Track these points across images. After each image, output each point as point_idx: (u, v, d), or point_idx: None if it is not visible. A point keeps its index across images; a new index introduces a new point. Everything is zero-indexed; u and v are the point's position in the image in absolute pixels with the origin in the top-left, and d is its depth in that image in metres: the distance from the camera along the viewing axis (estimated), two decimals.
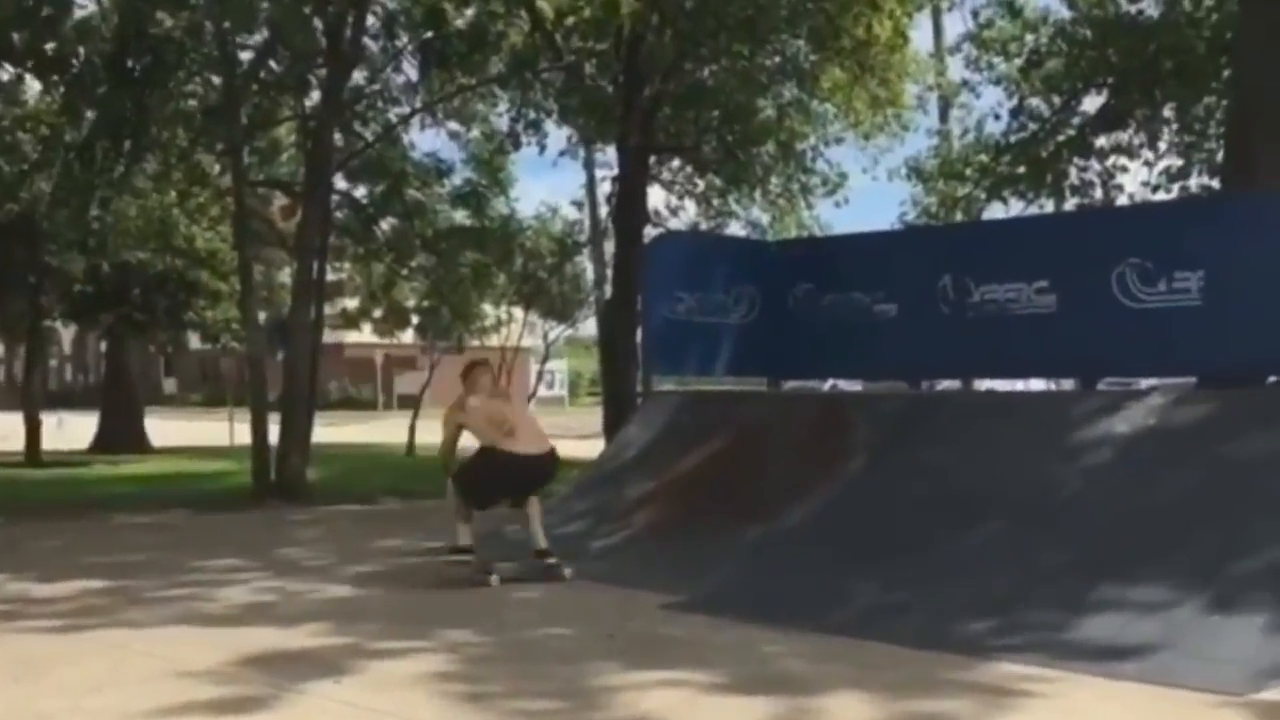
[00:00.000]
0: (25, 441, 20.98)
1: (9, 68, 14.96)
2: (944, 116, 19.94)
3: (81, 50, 14.42)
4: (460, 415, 8.10)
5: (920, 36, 21.24)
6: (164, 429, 26.51)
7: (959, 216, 17.40)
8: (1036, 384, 16.09)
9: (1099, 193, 16.81)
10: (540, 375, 28.02)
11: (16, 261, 20.03)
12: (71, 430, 25.00)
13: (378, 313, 24.65)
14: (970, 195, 17.54)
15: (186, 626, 6.54)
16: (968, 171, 17.78)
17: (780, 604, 6.72)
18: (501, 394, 8.69)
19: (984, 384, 15.14)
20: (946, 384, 15.57)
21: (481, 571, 7.89)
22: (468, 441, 8.26)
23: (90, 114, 14.97)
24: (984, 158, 17.49)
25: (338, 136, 16.51)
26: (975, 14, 17.41)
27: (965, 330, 9.65)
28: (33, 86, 17.39)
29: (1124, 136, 16.67)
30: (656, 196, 19.40)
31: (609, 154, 19.55)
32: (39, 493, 14.75)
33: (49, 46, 14.32)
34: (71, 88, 14.71)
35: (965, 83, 18.14)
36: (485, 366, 8.65)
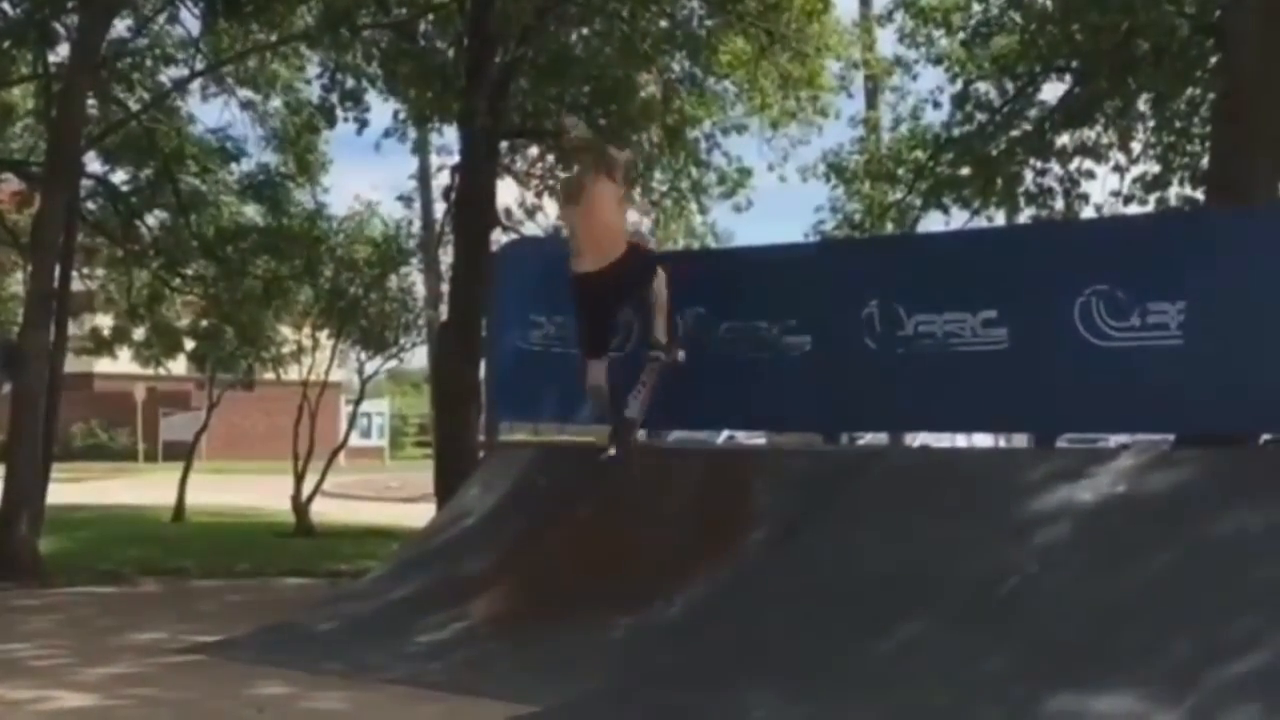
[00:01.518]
0: None
1: None
2: (871, 102, 20.34)
3: None
4: None
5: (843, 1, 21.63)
6: None
7: (889, 228, 17.71)
8: (981, 439, 16.50)
9: (1060, 203, 17.23)
10: (353, 420, 27.67)
11: None
12: None
13: (140, 334, 24.12)
14: (903, 201, 17.88)
15: None
16: (900, 171, 18.12)
17: (655, 718, 6.72)
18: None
19: (917, 438, 15.50)
20: (871, 438, 15.92)
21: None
22: None
23: None
24: (920, 154, 17.83)
25: (91, 103, 16.18)
26: None
27: (895, 370, 9.82)
28: None
29: (1091, 134, 17.18)
30: (509, 192, 19.40)
31: (448, 136, 19.52)
32: None
33: None
34: None
35: (898, 60, 18.50)
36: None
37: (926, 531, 7.84)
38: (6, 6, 15.67)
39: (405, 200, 23.23)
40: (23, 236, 18.71)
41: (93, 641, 9.57)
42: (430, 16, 17.07)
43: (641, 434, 11.81)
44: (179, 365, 26.50)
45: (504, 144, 17.32)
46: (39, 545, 13.99)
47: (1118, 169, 17.23)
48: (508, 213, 19.01)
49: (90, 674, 8.30)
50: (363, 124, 18.02)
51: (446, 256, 20.02)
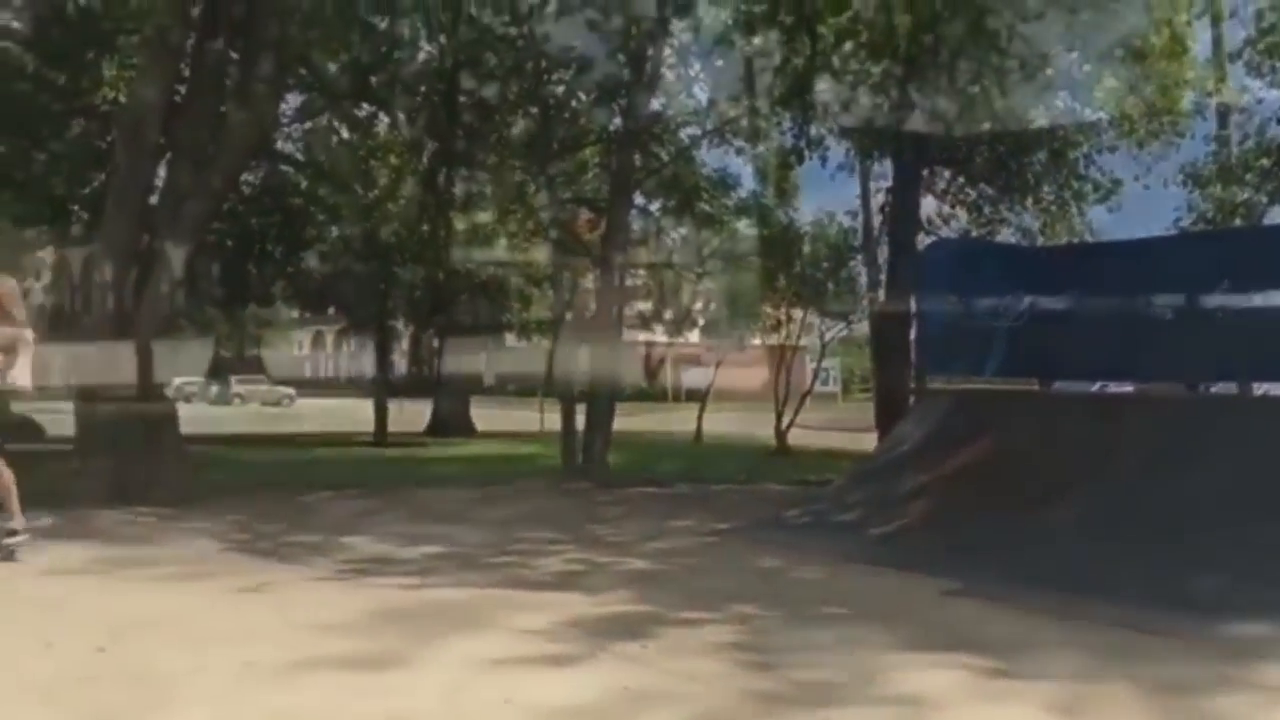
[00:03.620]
0: (374, 424, 22.74)
1: (366, 106, 16.21)
2: (1223, 123, 18.55)
3: (422, 89, 15.53)
4: None
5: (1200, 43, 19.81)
6: (484, 415, 28.00)
7: (1237, 222, 16.17)
8: None
9: None
10: (816, 372, 27.90)
11: (368, 272, 21.70)
12: (410, 415, 26.81)
13: (668, 315, 25.24)
14: (1250, 200, 16.26)
15: (513, 590, 6.94)
16: (1247, 176, 16.50)
17: (1056, 593, 6.50)
18: None
19: (1261, 388, 14.02)
20: (1221, 387, 14.55)
21: None
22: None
23: (431, 145, 16.07)
24: (1265, 161, 16.18)
25: (636, 156, 17.01)
26: (1259, 16, 16.09)
27: (1243, 334, 9.03)
28: (383, 121, 18.78)
29: None
30: (928, 205, 18.97)
31: (884, 165, 19.26)
32: (387, 470, 15.91)
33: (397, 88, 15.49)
34: (415, 123, 15.83)
35: (1245, 89, 16.84)
36: None
37: (1269, 459, 7.18)
38: (582, 94, 16.62)
39: (851, 214, 23.12)
40: (593, 250, 19.89)
41: (646, 525, 9.94)
42: (870, 78, 16.83)
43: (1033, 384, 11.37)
44: (693, 335, 27.52)
45: (925, 170, 16.94)
46: (609, 458, 14.73)
47: None
48: (928, 220, 18.59)
49: (646, 547, 8.66)
50: (824, 160, 18.02)
51: (883, 254, 19.80)
